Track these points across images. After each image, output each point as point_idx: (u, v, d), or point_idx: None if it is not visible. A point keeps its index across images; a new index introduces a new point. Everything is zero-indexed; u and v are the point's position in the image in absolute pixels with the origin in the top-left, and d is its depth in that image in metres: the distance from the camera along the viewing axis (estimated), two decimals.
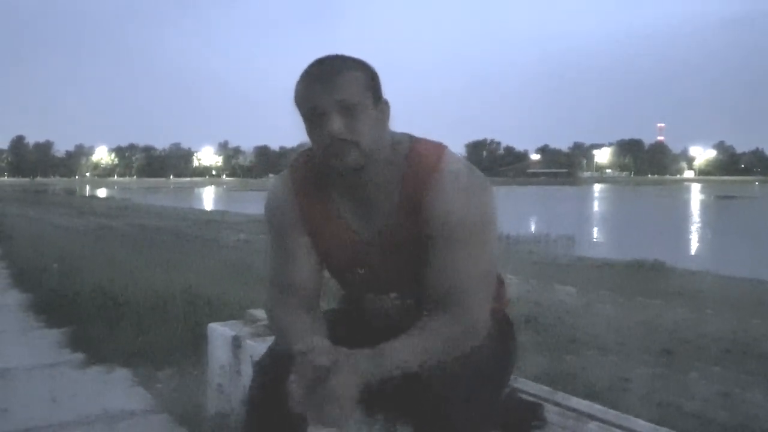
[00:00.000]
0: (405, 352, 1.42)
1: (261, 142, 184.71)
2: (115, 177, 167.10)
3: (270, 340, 2.57)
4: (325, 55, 1.50)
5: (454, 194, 1.45)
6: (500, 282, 1.69)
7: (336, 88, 1.41)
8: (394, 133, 1.53)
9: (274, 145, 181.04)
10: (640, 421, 1.80)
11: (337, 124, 1.40)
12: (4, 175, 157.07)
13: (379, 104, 1.48)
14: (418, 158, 1.50)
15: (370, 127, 1.44)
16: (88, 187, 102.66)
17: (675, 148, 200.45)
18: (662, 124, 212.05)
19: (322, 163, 1.49)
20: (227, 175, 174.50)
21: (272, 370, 1.54)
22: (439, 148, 1.52)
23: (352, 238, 1.55)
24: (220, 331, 2.90)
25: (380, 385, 1.40)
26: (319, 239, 1.58)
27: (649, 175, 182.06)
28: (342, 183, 1.52)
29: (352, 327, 1.63)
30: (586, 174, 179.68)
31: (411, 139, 1.55)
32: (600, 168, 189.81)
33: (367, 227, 1.54)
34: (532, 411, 1.76)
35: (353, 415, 1.37)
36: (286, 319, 1.58)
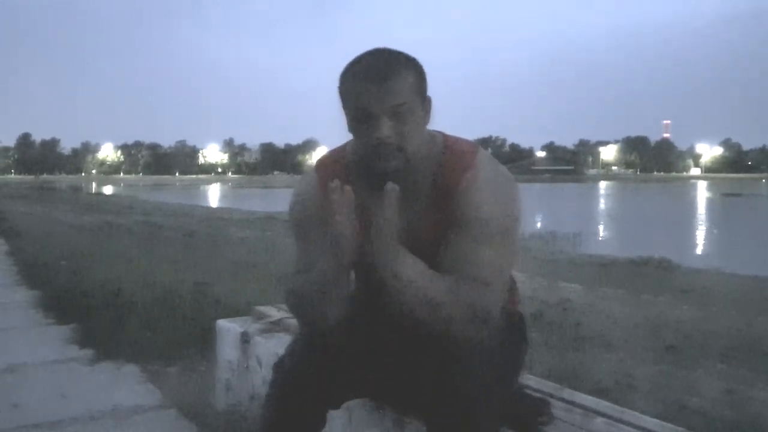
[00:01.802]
0: (419, 272, 1.44)
1: (266, 140, 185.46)
2: (121, 174, 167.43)
3: (279, 337, 2.61)
4: (375, 50, 1.50)
5: (487, 193, 1.47)
6: (512, 281, 1.70)
7: (389, 92, 1.41)
8: (428, 130, 1.54)
9: (279, 143, 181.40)
10: (646, 417, 1.82)
11: (386, 128, 1.42)
12: (11, 173, 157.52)
13: (425, 103, 1.50)
14: (452, 156, 1.52)
15: (417, 129, 1.46)
16: (94, 184, 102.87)
17: (681, 145, 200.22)
18: (668, 121, 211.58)
19: (364, 162, 1.50)
20: (233, 173, 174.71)
21: (291, 369, 1.56)
22: (472, 146, 1.55)
23: None
24: (228, 328, 2.92)
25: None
26: None
27: (655, 173, 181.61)
28: (371, 181, 1.50)
29: (367, 319, 1.63)
30: (592, 171, 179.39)
31: (444, 136, 1.57)
32: (606, 165, 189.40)
33: None
34: (539, 407, 1.77)
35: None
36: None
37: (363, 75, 1.43)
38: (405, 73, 1.44)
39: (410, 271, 1.43)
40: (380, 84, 1.41)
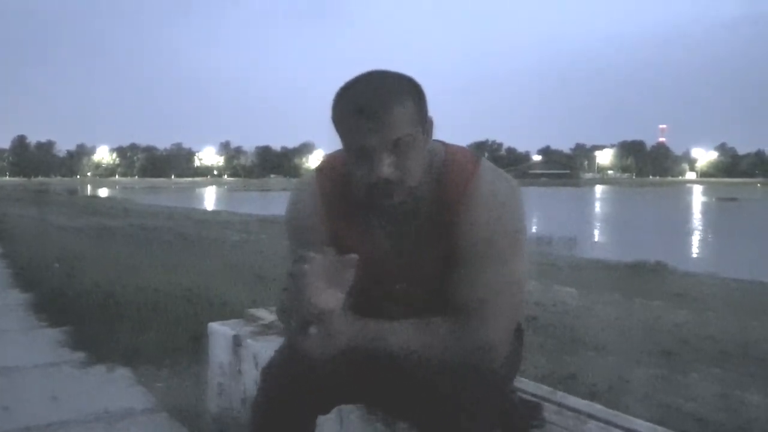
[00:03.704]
0: (401, 337, 1.42)
1: (262, 143, 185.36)
2: (117, 177, 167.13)
3: (271, 340, 2.59)
4: (369, 75, 1.39)
5: (487, 210, 1.41)
6: None
7: (387, 127, 1.31)
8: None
9: (276, 146, 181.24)
10: (639, 421, 1.80)
11: (387, 165, 1.33)
12: (6, 175, 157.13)
13: (426, 126, 1.40)
14: (451, 172, 1.45)
15: (419, 159, 1.38)
16: (89, 187, 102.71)
17: (677, 149, 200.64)
18: (664, 126, 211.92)
19: (364, 196, 1.42)
20: (229, 175, 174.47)
21: (280, 375, 1.53)
22: (474, 159, 1.47)
23: (377, 252, 1.51)
24: (220, 330, 2.91)
25: (365, 358, 1.42)
26: (341, 250, 1.52)
27: (651, 177, 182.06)
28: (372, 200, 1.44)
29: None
30: (588, 175, 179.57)
31: (445, 148, 1.50)
32: (602, 169, 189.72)
33: (392, 240, 1.50)
34: (532, 410, 1.75)
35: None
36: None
37: (357, 108, 1.32)
38: (403, 103, 1.33)
39: (393, 338, 1.42)
40: (377, 119, 1.30)
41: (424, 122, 1.40)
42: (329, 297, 1.31)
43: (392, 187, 1.35)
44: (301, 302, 1.30)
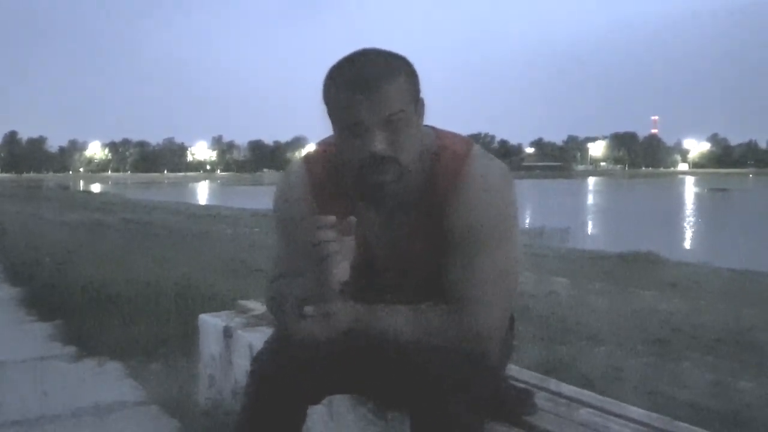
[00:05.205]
0: (397, 321, 1.42)
1: (255, 137, 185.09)
2: (109, 172, 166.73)
3: (262, 330, 2.58)
4: (362, 52, 1.37)
5: (479, 196, 1.40)
6: None
7: (381, 102, 1.30)
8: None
9: (268, 140, 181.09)
10: (631, 408, 1.80)
11: (380, 141, 1.31)
12: None
13: (418, 106, 1.39)
14: (443, 157, 1.43)
15: (412, 138, 1.36)
16: (81, 182, 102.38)
17: (669, 140, 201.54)
18: (656, 117, 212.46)
19: (357, 177, 1.38)
20: (221, 170, 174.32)
21: (270, 365, 1.51)
22: (465, 144, 1.46)
23: (368, 240, 1.49)
24: (211, 322, 2.89)
25: (357, 344, 1.42)
26: None
27: (643, 168, 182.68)
28: (362, 188, 1.41)
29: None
30: (581, 167, 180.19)
31: (436, 134, 1.48)
32: (594, 161, 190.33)
33: (384, 228, 1.49)
34: (523, 397, 1.74)
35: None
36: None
37: (351, 83, 1.31)
38: (397, 78, 1.32)
39: (389, 321, 1.42)
40: (371, 93, 1.29)
41: (416, 101, 1.39)
42: (341, 268, 1.31)
43: (385, 163, 1.33)
44: (328, 272, 1.30)
